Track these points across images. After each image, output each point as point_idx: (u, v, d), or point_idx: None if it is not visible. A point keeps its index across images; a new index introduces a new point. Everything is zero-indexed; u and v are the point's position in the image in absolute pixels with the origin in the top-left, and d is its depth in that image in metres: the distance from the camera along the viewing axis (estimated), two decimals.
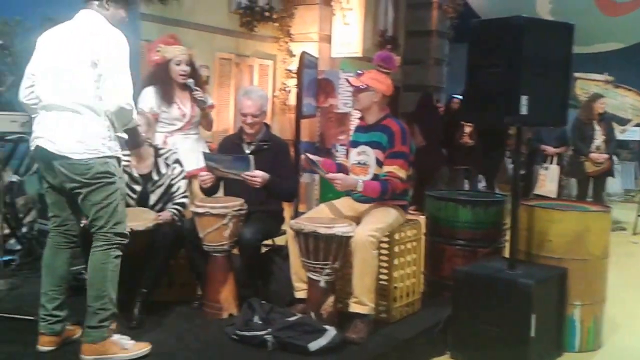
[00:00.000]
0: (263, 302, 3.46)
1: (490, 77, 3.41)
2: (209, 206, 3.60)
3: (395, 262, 3.71)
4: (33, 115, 3.06)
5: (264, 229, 3.77)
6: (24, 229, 4.71)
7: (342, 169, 3.84)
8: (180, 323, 3.56)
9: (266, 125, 4.02)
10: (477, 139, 8.02)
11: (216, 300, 3.65)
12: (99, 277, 2.99)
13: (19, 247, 4.65)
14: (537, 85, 3.34)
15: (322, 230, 3.33)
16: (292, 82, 8.22)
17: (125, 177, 3.77)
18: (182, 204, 3.83)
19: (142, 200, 3.80)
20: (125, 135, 3.12)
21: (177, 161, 3.89)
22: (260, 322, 3.30)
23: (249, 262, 3.73)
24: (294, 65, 8.16)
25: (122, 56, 2.95)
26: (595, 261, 3.75)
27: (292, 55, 8.36)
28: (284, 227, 3.99)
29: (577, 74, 9.33)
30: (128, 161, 3.80)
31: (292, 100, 8.15)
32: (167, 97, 4.19)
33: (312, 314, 3.40)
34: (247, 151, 3.91)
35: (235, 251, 3.74)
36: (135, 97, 4.31)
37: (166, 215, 3.69)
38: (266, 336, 3.19)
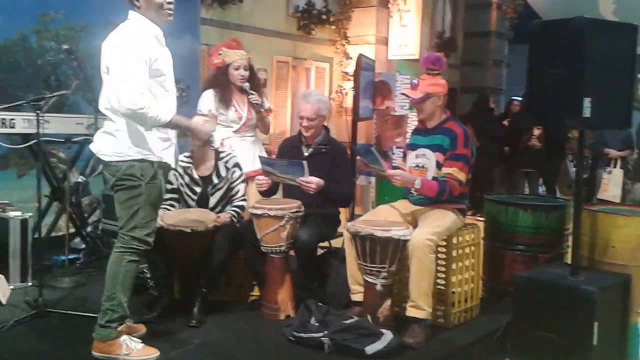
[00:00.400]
0: (320, 304, 3.48)
1: (551, 79, 3.32)
2: (266, 208, 3.64)
3: (453, 266, 3.66)
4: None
5: (321, 231, 3.78)
6: (89, 228, 4.87)
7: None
8: (239, 323, 3.61)
9: (326, 128, 4.04)
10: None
11: (274, 301, 3.69)
12: (111, 278, 3.01)
13: (83, 246, 4.82)
14: (600, 87, 3.24)
15: (379, 233, 3.31)
16: (349, 85, 8.23)
17: (186, 178, 3.88)
18: (241, 207, 3.89)
19: (201, 202, 3.88)
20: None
21: (237, 165, 3.96)
22: (317, 324, 3.31)
23: (305, 263, 3.75)
24: (350, 67, 8.17)
25: (123, 55, 2.85)
26: None
27: (348, 57, 8.38)
28: (340, 229, 4.00)
29: None
30: (189, 163, 3.90)
31: (349, 102, 8.16)
32: (225, 100, 4.26)
33: (369, 317, 3.39)
34: (306, 153, 3.94)
35: (292, 253, 3.77)
36: (196, 99, 4.45)
37: (225, 216, 3.75)
38: (323, 338, 3.20)
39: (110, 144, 2.98)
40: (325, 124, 4.07)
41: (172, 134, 3.11)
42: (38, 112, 3.60)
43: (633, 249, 3.58)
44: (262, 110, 4.35)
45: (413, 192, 3.64)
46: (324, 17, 8.12)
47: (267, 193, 3.95)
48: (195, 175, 3.89)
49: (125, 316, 3.05)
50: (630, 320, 3.55)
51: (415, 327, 3.38)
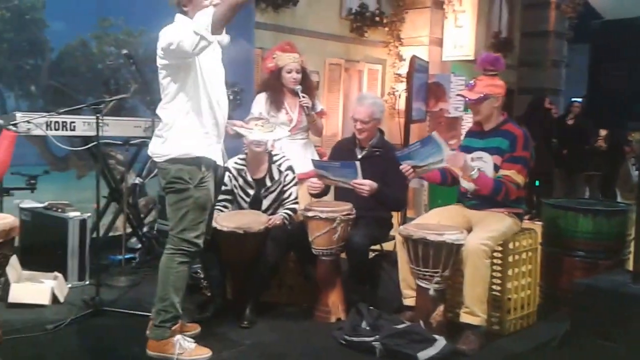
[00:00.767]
0: (371, 307, 3.44)
1: (614, 80, 3.21)
2: (318, 210, 3.63)
3: (509, 272, 3.57)
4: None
5: (372, 234, 3.75)
6: (145, 229, 4.96)
7: (446, 175, 3.74)
8: (290, 325, 3.62)
9: (380, 131, 4.00)
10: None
11: (324, 304, 3.68)
12: (163, 280, 3.05)
13: (139, 245, 4.92)
14: None
15: (432, 237, 3.26)
16: (402, 87, 8.15)
17: (240, 180, 3.92)
18: (293, 209, 3.89)
19: (254, 204, 3.91)
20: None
21: (290, 168, 3.97)
22: (368, 328, 3.28)
23: (357, 266, 3.72)
24: (403, 69, 8.10)
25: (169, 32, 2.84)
26: None
27: (401, 59, 8.31)
28: (392, 232, 3.95)
29: None
30: (243, 165, 3.93)
31: (401, 104, 8.07)
32: (276, 103, 4.29)
33: (421, 323, 3.34)
34: (359, 156, 3.92)
35: (344, 255, 3.75)
36: (250, 102, 4.49)
37: (277, 218, 3.77)
38: (374, 343, 3.17)
39: (161, 146, 3.04)
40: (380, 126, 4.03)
41: (216, 135, 3.09)
42: (98, 115, 3.70)
43: None
44: (313, 113, 4.35)
45: (465, 185, 3.60)
46: (377, 19, 8.08)
47: (319, 194, 3.95)
48: (249, 178, 3.92)
49: (178, 316, 3.09)
50: None
51: (470, 333, 3.31)
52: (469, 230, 3.46)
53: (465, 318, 3.34)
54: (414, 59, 6.34)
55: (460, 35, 8.36)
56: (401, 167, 3.59)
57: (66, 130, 4.18)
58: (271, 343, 3.34)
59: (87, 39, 5.48)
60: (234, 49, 6.13)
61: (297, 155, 4.23)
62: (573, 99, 8.56)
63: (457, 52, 8.33)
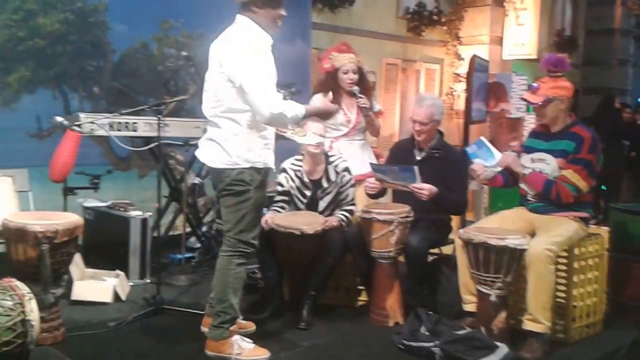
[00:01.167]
0: (430, 312, 3.38)
1: None
2: (375, 212, 3.59)
3: (575, 279, 3.43)
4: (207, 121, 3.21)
5: (431, 237, 3.67)
6: (204, 228, 5.02)
7: (507, 177, 3.63)
8: (347, 327, 3.59)
9: (440, 132, 3.91)
10: None
11: (382, 307, 3.63)
12: (221, 281, 3.07)
13: (198, 245, 4.97)
14: None
15: (493, 242, 3.17)
16: (460, 87, 8.02)
17: (297, 181, 3.91)
18: (350, 211, 3.86)
19: (311, 205, 3.90)
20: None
21: (347, 169, 3.93)
22: (428, 333, 3.23)
23: (415, 270, 3.66)
24: (462, 68, 7.96)
25: (253, 63, 2.89)
26: None
27: (460, 58, 8.16)
28: (451, 236, 3.87)
29: None
30: (300, 166, 3.92)
31: (460, 105, 7.94)
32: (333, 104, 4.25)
33: (482, 329, 3.25)
34: (418, 157, 3.85)
35: (402, 258, 3.69)
36: (306, 103, 4.47)
37: (333, 220, 3.74)
38: (434, 348, 3.12)
39: (219, 152, 3.01)
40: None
41: (272, 139, 3.12)
42: (159, 116, 3.76)
43: None
44: (371, 113, 4.30)
45: (523, 186, 3.51)
46: (435, 17, 7.96)
47: (376, 195, 3.90)
48: (306, 179, 3.91)
49: (237, 317, 3.11)
50: None
51: (533, 341, 3.21)
52: (532, 234, 3.36)
53: (528, 325, 3.24)
54: (474, 58, 6.22)
55: (521, 34, 8.15)
56: (472, 166, 3.55)
57: (128, 130, 4.26)
58: (328, 345, 3.32)
59: (148, 41, 5.59)
60: (290, 50, 6.20)
61: (354, 157, 4.19)
62: None
63: (519, 50, 8.12)
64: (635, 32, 10.64)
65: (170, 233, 4.89)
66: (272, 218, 3.74)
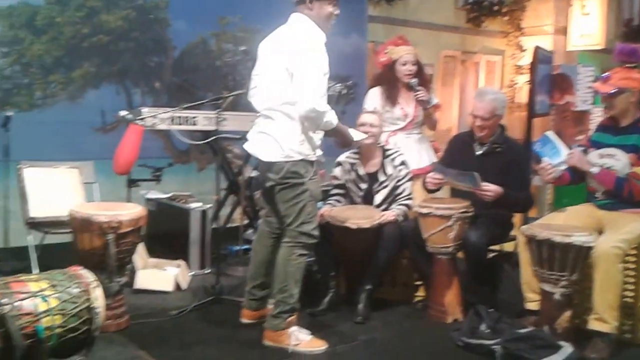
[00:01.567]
0: (491, 310, 3.30)
1: None
2: (433, 207, 3.53)
3: None
4: (258, 115, 3.28)
5: (491, 233, 3.58)
6: (260, 221, 5.06)
7: (574, 174, 3.51)
8: (404, 323, 3.56)
9: (501, 127, 3.80)
10: None
11: (440, 303, 3.57)
12: (282, 271, 3.11)
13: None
14: None
15: (558, 239, 3.07)
16: (522, 79, 7.79)
17: (353, 174, 3.89)
18: (407, 206, 3.81)
19: (367, 199, 3.87)
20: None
21: (404, 163, 3.88)
22: (488, 331, 3.15)
23: (474, 267, 3.58)
24: (524, 60, 7.73)
25: (312, 59, 2.95)
26: None
27: (522, 50, 7.93)
28: (513, 232, 3.76)
29: None
30: (356, 159, 3.90)
31: (522, 97, 7.72)
32: (391, 98, 4.20)
33: (545, 328, 3.17)
34: (479, 152, 3.76)
35: (461, 254, 3.62)
36: (362, 97, 4.44)
37: (390, 214, 3.70)
38: (494, 346, 3.04)
39: (272, 145, 3.06)
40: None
41: (321, 132, 3.16)
42: (218, 110, 3.81)
43: None
44: (429, 107, 4.22)
45: (591, 182, 3.40)
46: (496, 8, 7.75)
47: (434, 190, 3.82)
48: (362, 172, 3.88)
49: (296, 308, 3.13)
50: None
51: (599, 341, 3.10)
52: (600, 232, 3.24)
53: (594, 325, 3.13)
54: (537, 49, 6.02)
55: (587, 24, 7.83)
56: (540, 165, 3.46)
57: (188, 124, 4.34)
58: (385, 340, 3.30)
59: (207, 37, 5.68)
60: (346, 43, 6.17)
61: (411, 151, 4.13)
62: None
63: (584, 41, 7.81)
64: None
65: (228, 225, 4.95)
66: (328, 211, 3.73)
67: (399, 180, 3.85)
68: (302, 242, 3.10)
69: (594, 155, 3.44)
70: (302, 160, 3.04)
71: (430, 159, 4.27)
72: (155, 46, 5.43)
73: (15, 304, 2.58)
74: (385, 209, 3.80)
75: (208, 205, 4.44)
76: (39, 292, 2.69)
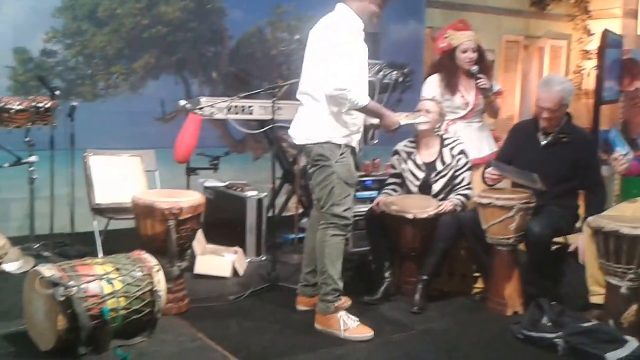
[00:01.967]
0: (553, 303, 3.21)
1: None
2: (494, 197, 3.44)
3: None
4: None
5: (555, 224, 3.46)
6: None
7: None
8: (462, 314, 3.49)
9: (568, 115, 3.65)
10: None
11: (500, 296, 3.49)
12: (320, 254, 3.17)
13: None
14: None
15: (626, 231, 2.96)
16: (589, 64, 7.51)
17: (410, 163, 3.83)
18: (466, 196, 3.73)
19: (424, 189, 3.80)
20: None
21: (463, 152, 3.80)
22: (550, 325, 3.07)
23: (536, 259, 3.47)
24: (592, 45, 7.44)
25: (340, 44, 3.01)
26: None
27: (590, 34, 7.62)
28: (579, 224, 3.62)
29: None
30: (414, 148, 3.84)
31: (589, 84, 7.44)
32: (451, 86, 4.09)
33: (611, 322, 3.06)
34: (543, 142, 3.62)
35: (522, 246, 3.52)
36: (420, 85, 4.36)
37: (448, 205, 3.63)
38: (556, 340, 2.96)
39: (303, 129, 3.17)
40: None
41: (359, 121, 3.21)
42: (274, 99, 3.82)
43: None
44: (491, 94, 4.10)
45: None
46: None
47: (492, 185, 3.71)
48: (419, 161, 3.82)
49: (339, 289, 3.15)
50: None
51: None
52: None
53: None
54: (606, 33, 5.78)
55: None
56: (614, 156, 3.38)
57: (245, 114, 4.39)
58: (443, 331, 3.25)
59: (263, 26, 5.71)
60: (403, 29, 6.08)
61: (472, 140, 4.02)
62: None
63: None
64: None
65: (284, 214, 4.99)
66: (384, 201, 3.69)
67: (457, 170, 3.77)
68: (335, 224, 3.13)
69: None
70: (327, 142, 3.10)
71: (491, 148, 4.16)
72: (213, 36, 5.50)
73: (82, 286, 2.70)
74: (443, 199, 3.73)
75: (264, 194, 4.48)
76: (104, 275, 2.80)
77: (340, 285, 3.16)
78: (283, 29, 5.77)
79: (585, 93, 7.51)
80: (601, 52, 5.70)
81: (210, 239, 4.31)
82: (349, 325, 3.10)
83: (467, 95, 4.11)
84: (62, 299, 2.61)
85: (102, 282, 2.77)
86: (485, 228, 3.48)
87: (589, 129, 5.94)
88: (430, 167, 3.80)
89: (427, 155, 3.82)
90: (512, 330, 3.15)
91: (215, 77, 5.54)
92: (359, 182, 4.17)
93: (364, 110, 3.16)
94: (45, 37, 4.79)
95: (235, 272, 4.04)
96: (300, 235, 4.73)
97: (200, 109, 4.06)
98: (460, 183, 3.76)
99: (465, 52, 4.07)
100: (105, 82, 5.06)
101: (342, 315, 3.13)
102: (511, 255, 3.48)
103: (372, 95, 3.51)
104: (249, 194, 4.45)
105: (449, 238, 3.57)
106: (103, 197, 4.12)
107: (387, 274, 3.66)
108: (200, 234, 4.04)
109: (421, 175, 3.81)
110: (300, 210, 4.81)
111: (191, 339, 3.01)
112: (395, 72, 4.52)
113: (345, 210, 3.14)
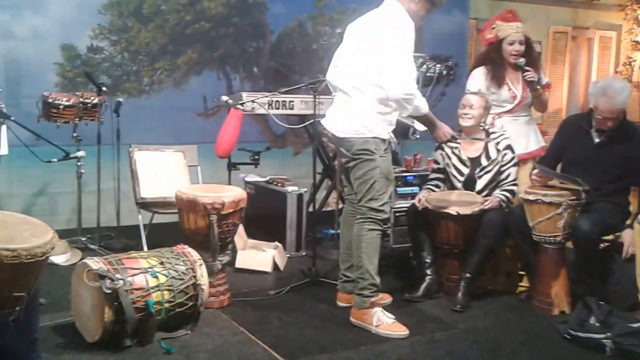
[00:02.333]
0: (601, 302, 3.12)
1: None
2: (541, 193, 3.35)
3: None
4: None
5: (605, 221, 3.36)
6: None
7: None
8: (506, 313, 3.43)
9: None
10: None
11: (546, 294, 3.41)
12: (356, 248, 3.16)
13: None
14: None
15: None
16: None
17: (454, 158, 3.76)
18: (511, 192, 3.64)
19: (468, 184, 3.74)
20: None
21: (509, 147, 3.71)
22: (598, 325, 3.00)
23: (584, 257, 3.38)
24: None
25: (402, 45, 2.99)
26: None
27: None
28: (629, 221, 3.50)
29: None
30: (458, 143, 3.77)
31: (639, 76, 7.20)
32: (497, 79, 4.01)
33: None
34: (596, 140, 3.50)
35: (569, 244, 3.43)
36: (464, 77, 4.28)
37: (493, 201, 3.55)
38: (604, 340, 2.90)
39: (346, 121, 3.13)
40: None
41: (395, 117, 3.19)
42: (315, 94, 3.80)
43: None
44: (539, 87, 3.99)
45: None
46: None
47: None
48: (464, 156, 3.75)
49: (375, 284, 3.12)
50: None
51: None
52: None
53: None
54: None
55: None
56: None
57: (286, 109, 4.39)
58: (486, 329, 3.20)
59: (304, 19, 5.69)
60: (447, 21, 5.97)
61: (519, 134, 3.94)
62: None
63: None
64: None
65: (324, 209, 4.97)
66: (426, 197, 3.64)
67: (503, 165, 3.69)
68: (372, 218, 3.11)
69: None
70: (373, 137, 3.09)
71: (539, 143, 4.06)
72: (254, 31, 5.51)
73: (128, 279, 2.75)
74: (487, 195, 3.65)
75: (304, 189, 4.47)
76: (149, 268, 2.86)
77: (377, 280, 3.14)
78: (324, 22, 5.74)
79: (635, 85, 7.27)
80: None
81: (250, 233, 4.33)
82: (383, 322, 3.07)
83: (514, 88, 4.02)
84: (109, 291, 2.67)
85: (147, 275, 2.82)
86: (531, 225, 3.40)
87: (639, 122, 5.75)
88: (474, 162, 3.73)
89: (471, 150, 3.75)
90: (559, 330, 3.08)
91: (256, 71, 5.55)
92: (399, 177, 4.15)
93: (422, 117, 3.18)
94: (91, 33, 4.88)
95: (275, 267, 4.05)
96: (340, 231, 4.71)
97: (242, 104, 4.07)
98: (505, 179, 3.68)
99: (511, 44, 3.98)
100: (149, 78, 5.13)
101: (377, 311, 3.11)
102: (558, 253, 3.40)
103: None
104: (290, 188, 4.46)
105: (494, 235, 3.50)
106: (147, 191, 4.18)
107: (428, 271, 3.61)
108: (241, 229, 4.06)
109: (465, 170, 3.74)
110: (340, 206, 4.78)
111: (232, 332, 3.03)
112: (438, 65, 4.45)
113: (382, 205, 3.13)
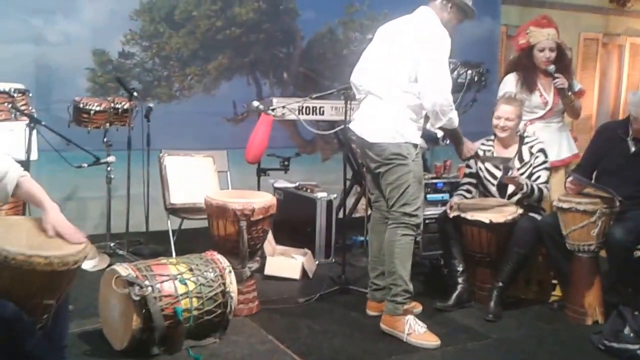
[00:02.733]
0: (636, 312, 3.05)
1: None
2: (575, 201, 3.30)
3: None
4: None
5: (639, 230, 3.28)
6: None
7: None
8: (539, 323, 3.37)
9: None
10: None
11: (579, 304, 3.35)
12: (388, 254, 3.13)
13: None
14: None
15: None
16: None
17: (487, 163, 3.73)
18: (540, 190, 3.58)
19: (501, 188, 3.70)
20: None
21: (542, 150, 3.67)
22: (632, 335, 2.94)
23: (618, 266, 3.32)
24: None
25: (440, 55, 2.98)
26: None
27: None
28: None
29: None
30: (490, 146, 3.74)
31: None
32: (528, 84, 3.97)
33: None
34: (633, 148, 3.45)
35: (603, 253, 3.37)
36: (495, 83, 4.23)
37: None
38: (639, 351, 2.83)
39: (377, 126, 3.10)
40: None
41: (422, 125, 3.20)
42: (347, 100, 3.79)
43: None
44: (570, 94, 3.94)
45: None
46: None
47: None
48: None
49: (408, 290, 3.09)
50: None
51: None
52: None
53: None
54: None
55: None
56: None
57: (316, 115, 4.38)
58: (519, 339, 3.15)
59: (334, 25, 5.69)
60: (478, 27, 5.92)
61: (551, 141, 3.90)
62: None
63: None
64: None
65: (353, 215, 4.95)
66: (459, 204, 3.61)
67: (535, 167, 3.64)
68: (405, 223, 3.09)
69: None
70: (405, 142, 3.08)
71: (571, 150, 4.00)
72: (285, 37, 5.52)
73: (157, 286, 2.73)
74: (519, 199, 3.60)
75: (333, 195, 4.45)
76: (178, 275, 2.83)
77: (410, 286, 3.11)
78: (355, 28, 5.74)
79: None
80: None
81: (279, 239, 4.32)
82: (415, 330, 3.03)
83: (546, 94, 3.98)
84: (137, 298, 2.64)
85: (176, 282, 2.79)
86: (565, 233, 3.35)
87: None
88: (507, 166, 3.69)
89: (504, 153, 3.71)
90: (592, 341, 3.04)
91: (286, 77, 5.56)
92: (429, 184, 4.12)
93: (451, 131, 3.17)
94: (123, 39, 4.93)
95: (304, 274, 4.04)
96: (369, 238, 4.69)
97: (272, 109, 4.08)
98: (536, 180, 3.62)
99: (542, 50, 3.94)
100: (180, 84, 5.17)
101: (410, 318, 3.07)
102: (592, 261, 3.34)
103: None
104: (319, 194, 4.44)
105: (526, 244, 3.46)
106: (177, 196, 4.19)
107: (460, 279, 3.57)
108: (270, 235, 4.06)
109: (498, 174, 3.70)
110: (369, 212, 4.76)
111: (261, 340, 3.01)
112: (469, 71, 4.41)
113: (415, 209, 3.10)
